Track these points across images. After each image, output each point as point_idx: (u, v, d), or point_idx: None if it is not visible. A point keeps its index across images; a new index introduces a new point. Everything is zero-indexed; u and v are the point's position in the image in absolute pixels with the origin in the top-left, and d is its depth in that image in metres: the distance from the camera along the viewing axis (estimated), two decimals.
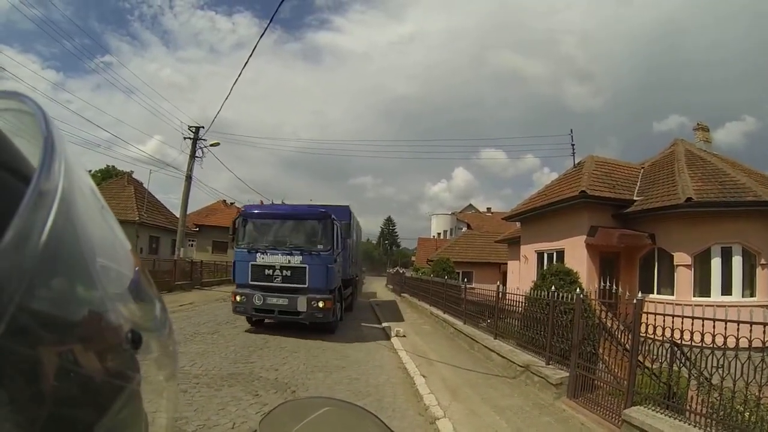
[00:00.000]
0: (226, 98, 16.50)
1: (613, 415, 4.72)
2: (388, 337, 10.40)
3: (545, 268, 10.39)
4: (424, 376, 6.65)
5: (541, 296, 7.20)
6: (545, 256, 13.85)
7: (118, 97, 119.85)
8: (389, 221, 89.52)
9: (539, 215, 14.12)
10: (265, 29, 12.96)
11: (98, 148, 35.34)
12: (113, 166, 40.58)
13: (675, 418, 4.05)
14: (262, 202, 19.71)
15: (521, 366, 6.67)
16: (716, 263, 10.75)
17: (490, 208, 55.59)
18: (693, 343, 4.26)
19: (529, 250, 14.90)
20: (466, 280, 14.00)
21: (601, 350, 5.78)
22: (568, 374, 5.77)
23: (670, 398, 4.43)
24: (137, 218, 24.33)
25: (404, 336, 10.20)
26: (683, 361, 4.59)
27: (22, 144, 0.36)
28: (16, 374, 0.27)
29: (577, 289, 6.74)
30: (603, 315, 6.09)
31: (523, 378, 6.51)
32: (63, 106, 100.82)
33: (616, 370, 5.36)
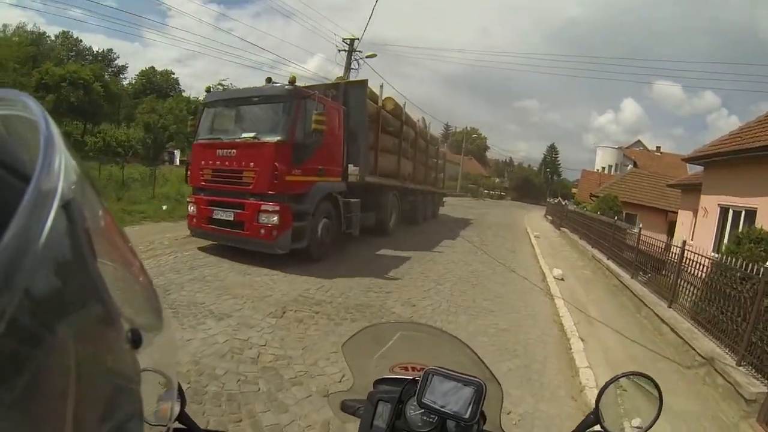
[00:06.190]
0: (376, 2, 16.34)
1: None
2: (544, 278, 10.08)
3: (740, 230, 8.48)
4: (582, 340, 6.19)
5: (737, 266, 5.79)
6: (730, 212, 11.30)
7: (278, 22, 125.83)
8: (552, 149, 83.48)
9: (730, 161, 11.22)
10: None
11: (263, 67, 38.64)
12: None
13: None
14: (423, 117, 18.20)
15: (702, 356, 5.71)
16: None
17: (659, 147, 48.64)
18: None
19: (710, 202, 12.23)
20: (638, 224, 12.38)
21: None
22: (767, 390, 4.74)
23: None
24: None
25: (562, 280, 9.73)
26: None
27: (22, 144, 0.36)
28: (16, 375, 0.27)
29: None
30: None
31: (702, 373, 5.58)
32: (228, 33, 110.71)
33: None
